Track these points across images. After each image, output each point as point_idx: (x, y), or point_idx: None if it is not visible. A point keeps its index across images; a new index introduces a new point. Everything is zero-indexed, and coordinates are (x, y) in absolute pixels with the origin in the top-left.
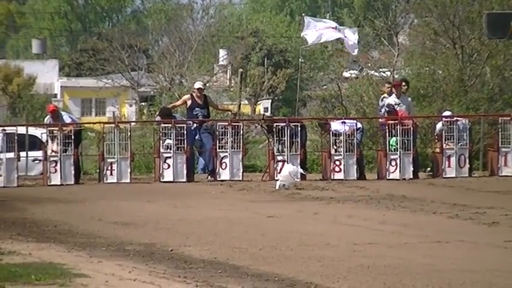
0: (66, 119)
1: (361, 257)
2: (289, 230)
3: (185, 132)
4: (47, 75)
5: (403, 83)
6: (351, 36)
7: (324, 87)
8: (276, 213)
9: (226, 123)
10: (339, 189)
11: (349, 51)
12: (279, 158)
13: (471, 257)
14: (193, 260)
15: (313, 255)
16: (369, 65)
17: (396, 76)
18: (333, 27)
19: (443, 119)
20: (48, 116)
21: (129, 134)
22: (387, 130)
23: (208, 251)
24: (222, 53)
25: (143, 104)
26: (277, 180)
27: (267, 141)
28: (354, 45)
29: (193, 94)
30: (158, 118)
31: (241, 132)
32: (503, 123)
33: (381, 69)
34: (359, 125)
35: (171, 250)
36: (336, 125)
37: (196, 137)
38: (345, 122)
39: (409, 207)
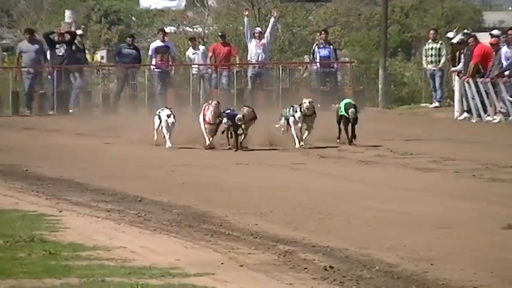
0: None
1: (179, 175)
2: (125, 154)
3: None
4: None
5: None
6: None
7: (149, 40)
8: (111, 141)
9: None
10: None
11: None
12: None
13: (268, 175)
14: (44, 178)
15: (142, 174)
16: (185, 22)
17: (206, 32)
18: None
19: None
20: None
21: None
22: None
23: (56, 171)
24: (67, 13)
25: (4, 53)
26: None
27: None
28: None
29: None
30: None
31: None
32: None
33: (194, 26)
34: None
35: (27, 170)
36: None
37: None
38: None
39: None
